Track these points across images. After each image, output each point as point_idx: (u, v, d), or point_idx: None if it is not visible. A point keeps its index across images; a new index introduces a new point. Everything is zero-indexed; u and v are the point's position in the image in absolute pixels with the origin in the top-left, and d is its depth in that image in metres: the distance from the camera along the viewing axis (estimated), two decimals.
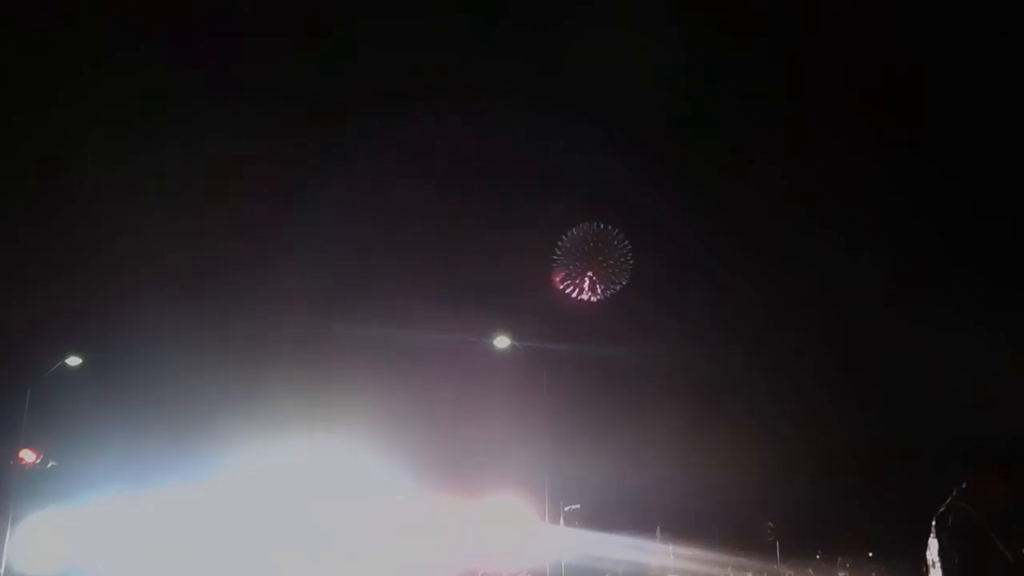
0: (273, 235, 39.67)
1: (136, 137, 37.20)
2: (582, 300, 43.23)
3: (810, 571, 38.36)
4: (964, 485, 5.23)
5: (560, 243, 43.68)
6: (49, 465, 30.02)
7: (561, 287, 43.91)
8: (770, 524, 36.59)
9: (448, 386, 38.21)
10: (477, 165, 41.16)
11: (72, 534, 29.27)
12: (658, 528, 38.12)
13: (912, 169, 41.15)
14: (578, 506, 34.62)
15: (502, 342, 33.00)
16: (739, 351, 41.37)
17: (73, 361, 29.14)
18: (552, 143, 40.81)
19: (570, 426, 33.41)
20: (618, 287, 43.03)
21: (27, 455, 29.09)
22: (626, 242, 42.89)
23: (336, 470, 30.79)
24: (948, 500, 5.25)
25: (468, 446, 35.45)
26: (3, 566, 27.23)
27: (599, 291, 43.44)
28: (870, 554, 39.68)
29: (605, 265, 43.10)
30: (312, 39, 39.51)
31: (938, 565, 5.11)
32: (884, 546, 37.30)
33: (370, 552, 29.90)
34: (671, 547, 37.55)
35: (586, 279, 43.52)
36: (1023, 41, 39.10)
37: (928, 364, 35.17)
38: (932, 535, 5.22)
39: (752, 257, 44.36)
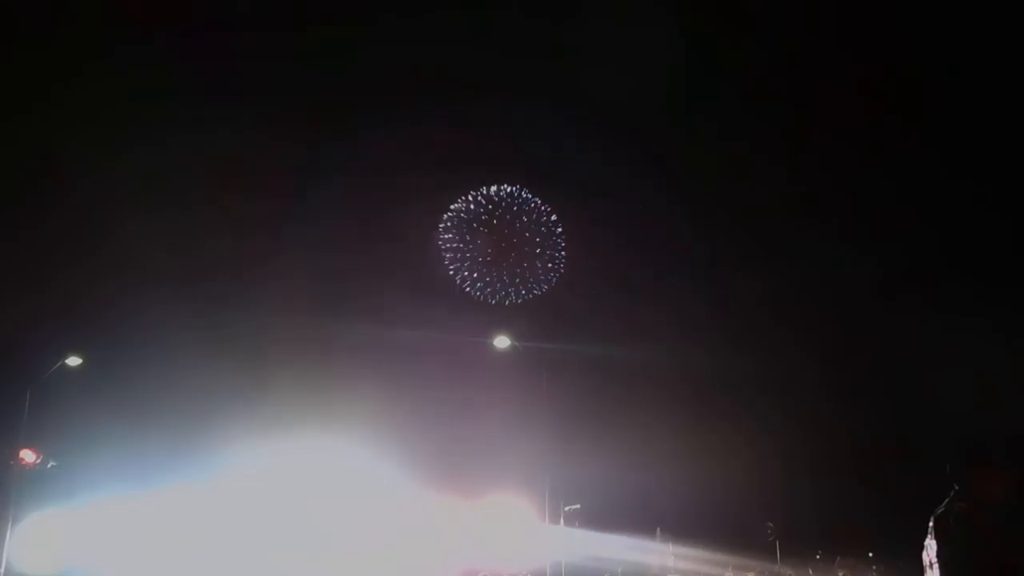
0: (273, 234, 39.65)
1: (136, 136, 37.18)
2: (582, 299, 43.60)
3: (810, 571, 38.33)
4: (963, 484, 5.22)
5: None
6: (49, 465, 30.01)
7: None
8: (770, 524, 36.53)
9: (448, 386, 38.22)
10: (477, 164, 41.14)
11: (72, 534, 29.28)
12: (658, 528, 38.12)
13: (913, 167, 41.18)
14: (578, 506, 34.60)
15: (502, 342, 33.04)
16: (739, 351, 41.33)
17: (73, 361, 29.13)
18: (552, 142, 40.77)
19: (570, 426, 33.42)
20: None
21: (27, 455, 29.08)
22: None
23: (336, 470, 30.81)
24: (946, 500, 5.24)
25: (468, 446, 35.47)
26: (3, 566, 27.23)
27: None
28: (870, 554, 39.66)
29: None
30: (312, 38, 39.50)
31: (936, 565, 5.11)
32: (884, 546, 37.30)
33: (370, 552, 29.91)
34: (671, 547, 37.54)
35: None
36: (1023, 40, 39.12)
37: (928, 363, 35.18)
38: (930, 535, 5.22)
39: (752, 256, 44.36)
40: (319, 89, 41.69)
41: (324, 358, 36.49)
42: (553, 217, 43.99)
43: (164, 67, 36.92)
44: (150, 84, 37.17)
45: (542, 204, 43.85)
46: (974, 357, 33.51)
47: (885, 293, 40.90)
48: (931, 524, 5.22)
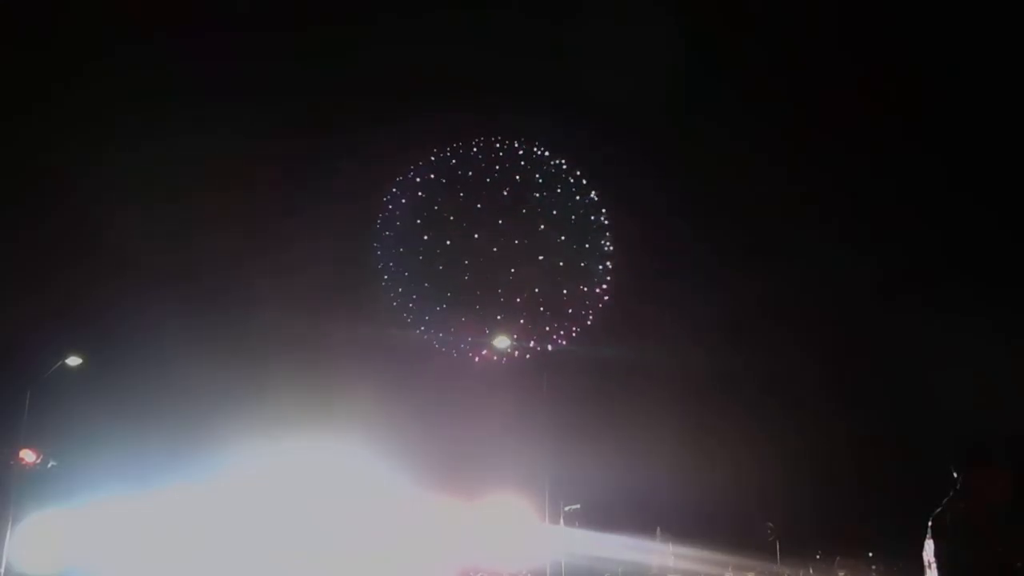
0: (274, 234, 39.63)
1: (136, 136, 37.17)
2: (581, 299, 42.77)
3: (810, 571, 38.37)
4: (962, 484, 5.22)
5: None
6: (49, 465, 30.02)
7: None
8: (770, 524, 36.60)
9: (448, 385, 38.20)
10: (477, 163, 41.11)
11: (72, 534, 29.29)
12: (658, 528, 38.15)
13: (913, 167, 41.20)
14: (578, 506, 34.64)
15: (502, 342, 33.04)
16: (739, 351, 41.33)
17: (73, 361, 29.16)
18: (552, 142, 40.74)
19: (570, 426, 33.40)
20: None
21: (27, 455, 29.09)
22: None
23: (336, 470, 30.82)
24: (945, 500, 5.24)
25: (468, 446, 35.45)
26: (3, 566, 27.25)
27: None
28: (870, 554, 39.70)
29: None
30: (312, 38, 39.49)
31: (934, 565, 5.11)
32: (884, 546, 37.31)
33: (370, 552, 29.92)
34: (671, 547, 37.57)
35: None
36: (1023, 40, 39.12)
37: (928, 363, 35.20)
38: (928, 535, 5.22)
39: (752, 256, 44.36)
40: (319, 89, 41.65)
41: (324, 358, 36.48)
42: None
43: (164, 67, 36.92)
44: (150, 84, 37.17)
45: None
46: (974, 357, 33.52)
47: (885, 293, 40.92)
48: (930, 524, 5.23)
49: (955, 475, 5.29)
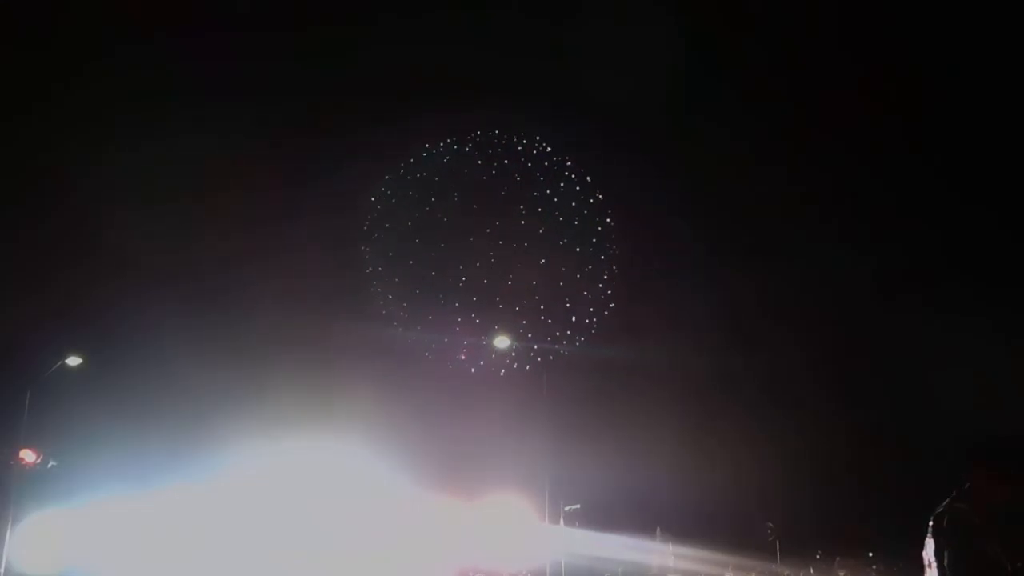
0: (274, 234, 39.61)
1: (136, 136, 37.15)
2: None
3: (810, 571, 38.36)
4: (966, 485, 5.21)
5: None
6: (49, 465, 30.06)
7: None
8: (770, 524, 36.59)
9: (448, 385, 38.19)
10: (473, 160, 41.06)
11: (72, 534, 29.30)
12: (658, 528, 38.15)
13: (913, 167, 41.21)
14: (578, 506, 34.64)
15: (502, 342, 32.97)
16: (739, 351, 41.32)
17: (73, 361, 29.18)
18: (552, 141, 40.72)
19: (570, 426, 33.38)
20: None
21: (27, 455, 29.12)
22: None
23: (336, 470, 30.82)
24: (946, 501, 5.24)
25: (468, 446, 35.45)
26: (3, 566, 27.26)
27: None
28: (870, 554, 39.70)
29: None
30: (312, 38, 39.48)
31: (934, 565, 5.10)
32: (884, 546, 37.32)
33: (370, 552, 29.93)
34: (671, 547, 37.57)
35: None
36: (1023, 40, 39.10)
37: (928, 363, 35.20)
38: (928, 535, 5.22)
39: (752, 256, 44.36)
40: (319, 89, 41.62)
41: (324, 358, 36.46)
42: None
43: (164, 67, 36.90)
44: (150, 84, 37.15)
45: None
46: (974, 357, 33.52)
47: (885, 293, 40.92)
48: (930, 524, 5.23)
49: (959, 475, 5.28)
